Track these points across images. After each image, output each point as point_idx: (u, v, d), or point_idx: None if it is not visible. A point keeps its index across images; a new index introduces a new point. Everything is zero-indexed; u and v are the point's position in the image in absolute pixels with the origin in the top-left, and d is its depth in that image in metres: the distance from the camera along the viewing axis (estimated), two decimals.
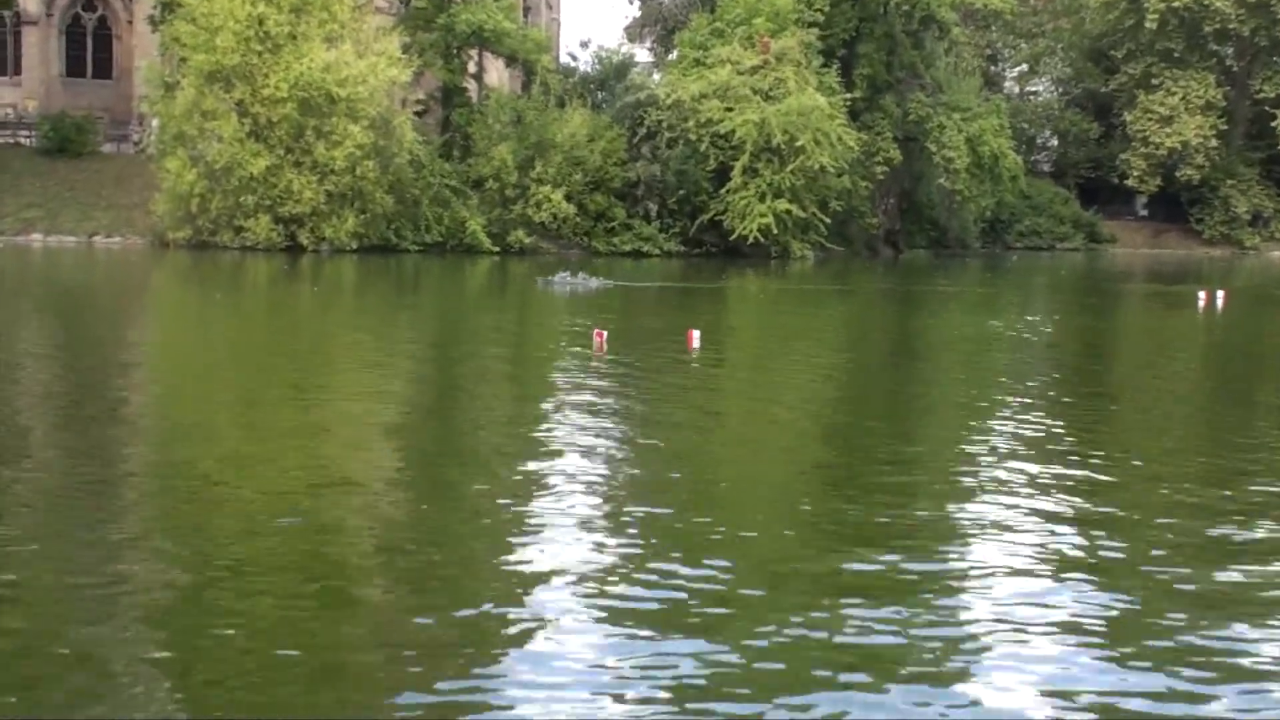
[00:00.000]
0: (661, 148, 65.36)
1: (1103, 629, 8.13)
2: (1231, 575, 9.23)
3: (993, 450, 13.78)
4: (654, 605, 8.25)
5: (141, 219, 58.74)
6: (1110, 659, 7.65)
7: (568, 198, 62.44)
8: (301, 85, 54.61)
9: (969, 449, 13.89)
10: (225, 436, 13.52)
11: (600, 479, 11.83)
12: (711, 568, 9.01)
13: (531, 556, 9.25)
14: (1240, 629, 8.15)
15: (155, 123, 59.14)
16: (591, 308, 33.03)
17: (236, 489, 11.08)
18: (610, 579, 8.72)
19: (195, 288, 37.39)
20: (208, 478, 11.57)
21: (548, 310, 33.00)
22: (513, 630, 7.79)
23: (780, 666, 7.38)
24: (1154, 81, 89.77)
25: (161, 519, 10.09)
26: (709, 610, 8.17)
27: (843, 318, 33.82)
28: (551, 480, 11.73)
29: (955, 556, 9.61)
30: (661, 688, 7.02)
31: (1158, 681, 7.32)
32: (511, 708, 6.72)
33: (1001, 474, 12.51)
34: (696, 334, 23.66)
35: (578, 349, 22.65)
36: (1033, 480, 12.23)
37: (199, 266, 46.81)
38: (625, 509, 10.74)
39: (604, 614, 8.08)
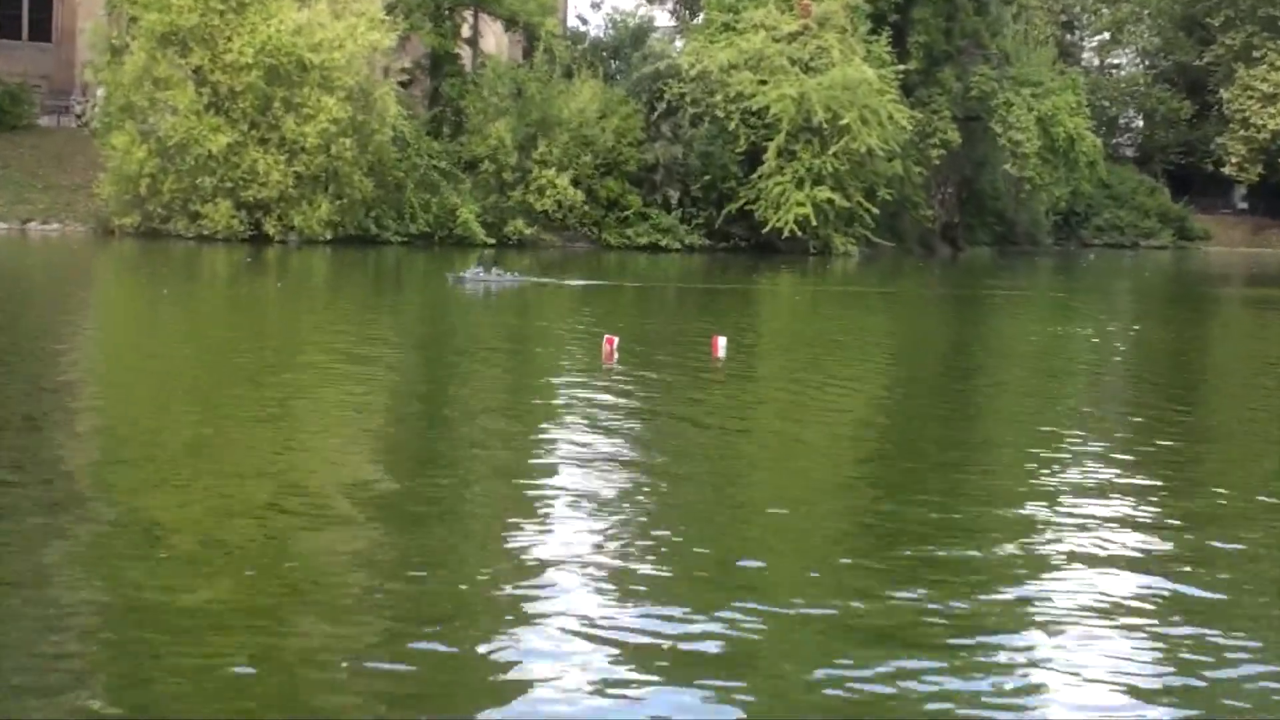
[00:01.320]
0: (684, 126, 65.55)
1: (1179, 684, 8.16)
2: None
3: (1060, 485, 13.78)
4: (665, 655, 8.31)
5: (84, 203, 59.04)
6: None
7: (575, 183, 62.64)
8: (269, 50, 54.88)
9: (1033, 482, 13.90)
10: (171, 459, 13.58)
11: (607, 506, 11.89)
12: (736, 611, 9.07)
13: (535, 595, 9.31)
14: None
15: (100, 92, 59.44)
16: (601, 309, 33.09)
17: (183, 521, 11.16)
18: (620, 616, 8.79)
19: (141, 282, 37.57)
20: (148, 513, 11.65)
21: (547, 313, 33.09)
22: (517, 674, 7.87)
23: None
24: (1255, 54, 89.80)
25: (94, 555, 10.18)
26: (731, 654, 8.23)
27: (891, 325, 33.86)
28: (552, 510, 11.79)
29: (1015, 602, 9.65)
30: None
31: None
32: None
33: (1069, 511, 12.52)
34: (722, 341, 23.73)
35: (584, 357, 22.73)
36: (1106, 518, 12.25)
37: (148, 258, 47.00)
38: (636, 541, 10.81)
39: (616, 658, 8.15)
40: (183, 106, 54.75)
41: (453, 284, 36.91)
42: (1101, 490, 13.34)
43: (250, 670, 7.76)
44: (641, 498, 12.45)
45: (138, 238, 55.21)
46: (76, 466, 13.03)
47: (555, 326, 28.98)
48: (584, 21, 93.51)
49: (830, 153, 62.85)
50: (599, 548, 10.57)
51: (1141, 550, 11.09)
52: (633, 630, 8.66)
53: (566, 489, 12.59)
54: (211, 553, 10.01)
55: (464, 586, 9.52)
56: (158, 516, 11.07)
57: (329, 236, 56.02)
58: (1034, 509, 12.41)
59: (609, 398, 18.42)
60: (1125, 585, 10.07)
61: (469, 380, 20.46)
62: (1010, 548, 11.04)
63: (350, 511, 11.58)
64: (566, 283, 41.52)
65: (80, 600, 9.00)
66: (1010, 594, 9.79)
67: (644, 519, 11.64)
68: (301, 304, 32.78)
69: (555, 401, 18.06)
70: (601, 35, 76.00)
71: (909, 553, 10.75)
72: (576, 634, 8.55)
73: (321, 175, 56.28)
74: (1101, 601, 9.62)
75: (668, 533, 11.10)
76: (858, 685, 7.88)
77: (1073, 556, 10.76)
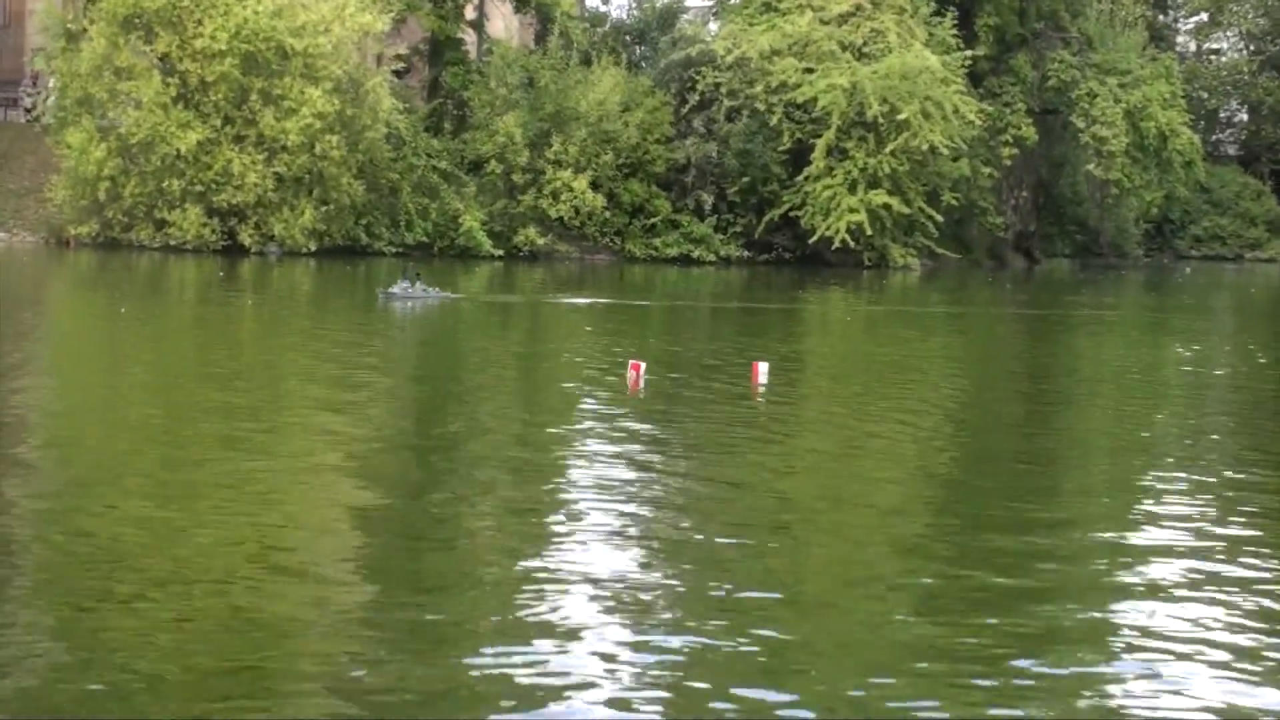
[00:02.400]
0: (719, 120, 65.69)
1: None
2: None
3: (1146, 539, 13.79)
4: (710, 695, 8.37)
5: (34, 209, 59.43)
6: None
7: (594, 185, 62.78)
8: (245, 35, 55.26)
9: (1121, 532, 13.91)
10: (131, 497, 13.66)
11: (634, 546, 11.93)
12: (788, 683, 9.11)
13: (557, 657, 9.37)
14: None
15: (53, 83, 59.82)
16: (625, 330, 33.13)
17: (149, 564, 11.25)
18: (654, 675, 8.86)
19: (97, 300, 37.73)
20: (110, 554, 11.74)
21: (563, 336, 33.17)
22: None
23: None
24: None
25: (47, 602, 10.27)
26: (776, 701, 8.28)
27: (957, 350, 33.83)
28: (575, 550, 11.84)
29: (1096, 663, 9.70)
30: None
31: None
32: None
33: (1160, 572, 12.55)
34: (764, 367, 23.74)
35: (607, 386, 22.77)
36: (1204, 578, 12.26)
37: (106, 272, 47.26)
38: (671, 592, 10.85)
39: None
40: (147, 99, 55.11)
41: (382, 303, 36.60)
42: (1203, 544, 13.36)
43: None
44: (673, 539, 12.48)
45: (96, 249, 55.49)
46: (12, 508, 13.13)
47: (575, 351, 29.02)
48: (605, 1, 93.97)
49: (887, 151, 62.85)
50: (627, 588, 10.62)
51: (1236, 580, 11.14)
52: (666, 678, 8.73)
53: (590, 528, 12.63)
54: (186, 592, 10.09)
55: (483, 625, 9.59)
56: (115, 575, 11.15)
57: (313, 247, 56.22)
58: (1117, 568, 12.44)
59: (636, 430, 18.45)
60: (1219, 613, 10.13)
61: (476, 414, 20.47)
62: (1099, 612, 11.07)
63: (360, 554, 11.65)
64: (577, 300, 41.55)
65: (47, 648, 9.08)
66: (1092, 617, 9.84)
67: (676, 561, 11.67)
68: (280, 325, 32.88)
69: (576, 436, 18.08)
70: (625, 17, 76.44)
71: (971, 616, 10.79)
72: (616, 679, 8.64)
73: (305, 177, 56.52)
74: (1198, 631, 9.67)
75: (697, 570, 11.14)
76: None
77: (1192, 619, 10.80)
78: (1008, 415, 22.70)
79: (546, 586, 10.98)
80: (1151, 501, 15.07)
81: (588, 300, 41.09)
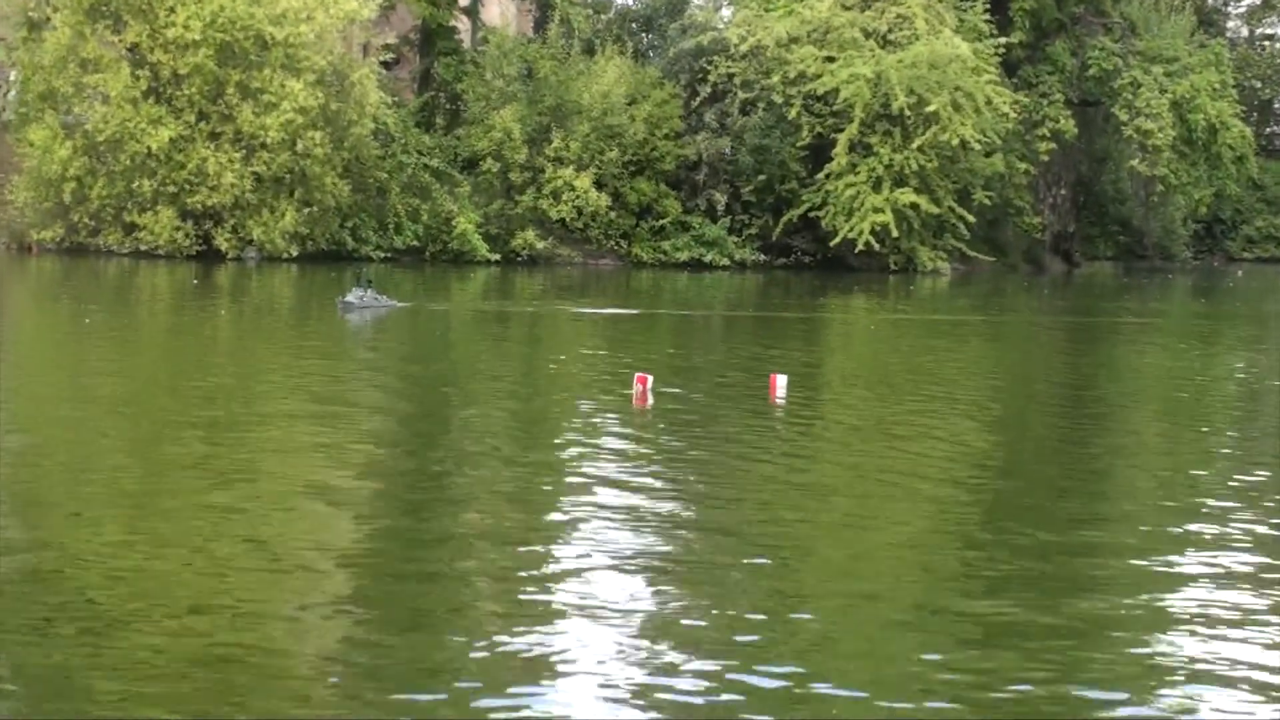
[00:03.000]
0: (732, 114, 65.77)
1: None
2: None
3: (1198, 565, 13.73)
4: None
5: None
6: None
7: (599, 185, 62.87)
8: (220, 24, 55.32)
9: (1170, 556, 13.85)
10: (101, 523, 13.64)
11: (640, 584, 11.89)
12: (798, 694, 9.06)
13: (558, 693, 9.33)
14: None
15: (14, 76, 59.98)
16: (636, 342, 33.12)
17: (127, 600, 11.21)
18: (668, 709, 8.81)
19: (60, 310, 37.74)
20: (70, 587, 11.70)
21: (561, 346, 33.14)
22: None
23: None
24: None
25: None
26: None
27: (991, 362, 33.80)
28: (574, 594, 11.79)
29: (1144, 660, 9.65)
30: None
31: None
32: None
33: (1214, 599, 12.49)
34: (782, 381, 23.71)
35: (611, 400, 22.71)
36: (1267, 608, 12.21)
37: (71, 280, 47.28)
38: (683, 621, 10.80)
39: None
40: (115, 93, 55.15)
41: (341, 312, 36.57)
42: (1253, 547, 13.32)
43: None
44: (683, 564, 12.44)
45: (61, 255, 55.57)
46: None
47: (577, 364, 29.01)
48: None
49: (915, 147, 62.91)
50: (634, 619, 10.58)
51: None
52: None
53: (594, 554, 12.61)
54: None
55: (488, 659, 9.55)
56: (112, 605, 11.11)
57: (295, 252, 56.27)
58: (1169, 603, 12.40)
59: (642, 448, 18.43)
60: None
61: (468, 432, 20.44)
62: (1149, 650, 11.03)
63: (344, 585, 11.61)
64: (580, 309, 41.50)
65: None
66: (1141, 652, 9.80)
67: (686, 587, 11.62)
68: (257, 336, 32.88)
69: (576, 455, 18.03)
70: (631, 3, 76.44)
71: (1001, 670, 10.74)
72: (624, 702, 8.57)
73: (285, 177, 56.60)
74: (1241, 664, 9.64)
75: (709, 597, 11.10)
76: None
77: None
78: (1047, 433, 22.62)
79: (548, 619, 10.93)
80: (1203, 526, 14.99)
81: (591, 309, 41.02)
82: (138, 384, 23.98)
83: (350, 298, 37.31)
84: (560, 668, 9.92)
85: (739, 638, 10.65)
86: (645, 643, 10.51)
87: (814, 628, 11.11)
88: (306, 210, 56.72)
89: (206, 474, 15.96)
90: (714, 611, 11.33)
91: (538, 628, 10.75)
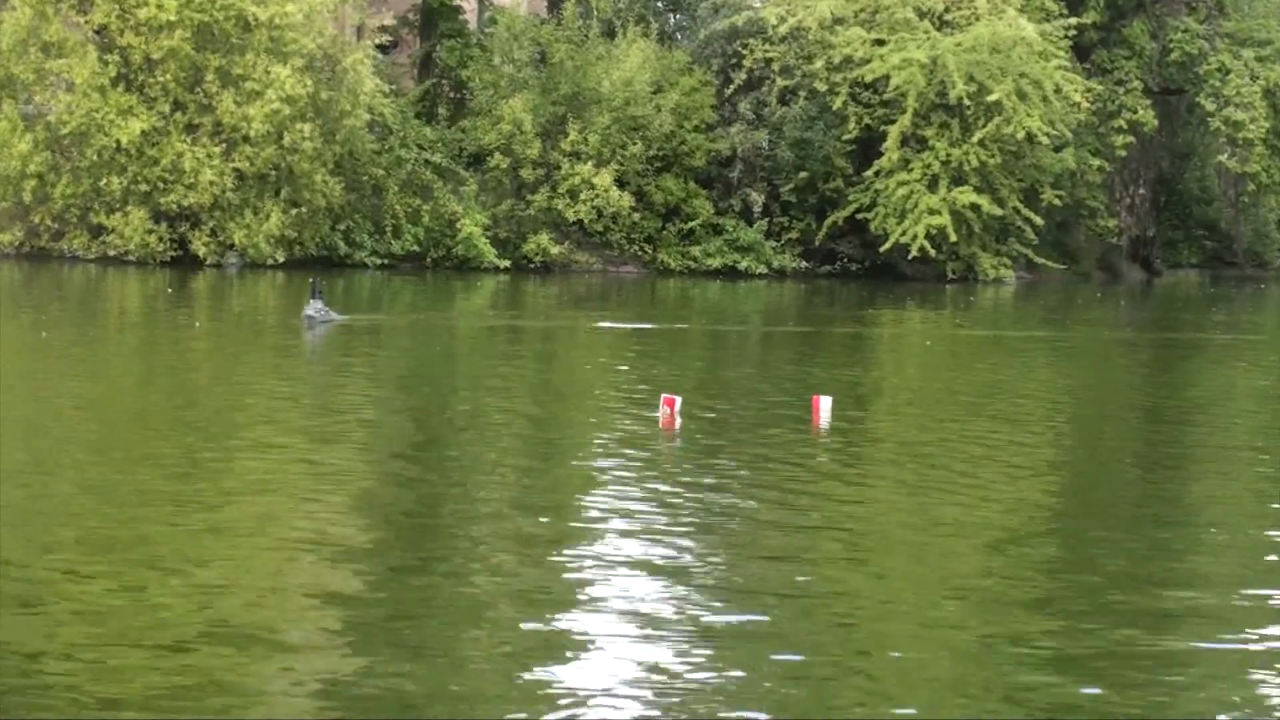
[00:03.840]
0: (771, 104, 65.83)
1: None
2: None
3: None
4: None
5: None
6: None
7: (620, 183, 62.89)
8: (198, 3, 55.53)
9: (1260, 591, 13.80)
10: (51, 549, 13.66)
11: (665, 634, 11.86)
12: None
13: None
14: None
15: None
16: (662, 360, 33.10)
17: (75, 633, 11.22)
18: None
19: (17, 323, 37.60)
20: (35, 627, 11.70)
21: (576, 361, 33.13)
22: None
23: None
24: None
25: None
26: None
27: (1061, 383, 33.70)
28: (592, 649, 11.78)
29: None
30: None
31: None
32: None
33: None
34: (826, 404, 23.67)
35: (632, 423, 22.69)
36: None
37: (31, 288, 47.32)
38: (717, 681, 10.79)
39: None
40: (81, 81, 55.32)
41: (306, 328, 36.31)
42: None
43: None
44: (715, 609, 12.41)
45: (20, 260, 55.70)
46: None
47: (596, 384, 29.01)
48: None
49: (975, 141, 62.89)
50: (661, 675, 10.56)
51: None
52: None
53: (610, 597, 12.63)
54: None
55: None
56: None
57: (281, 258, 56.36)
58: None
59: (669, 479, 18.40)
60: None
61: (477, 460, 20.39)
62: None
63: (339, 621, 11.62)
64: (600, 324, 41.49)
65: None
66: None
67: (719, 639, 11.60)
68: (238, 353, 32.85)
69: (596, 486, 18.00)
70: None
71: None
72: None
73: (271, 174, 56.74)
74: None
75: (749, 650, 11.08)
76: None
77: None
78: (1126, 463, 22.58)
79: (567, 687, 10.91)
80: None
81: (612, 323, 41.03)
82: (99, 408, 23.79)
83: (310, 311, 37.03)
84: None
85: (794, 690, 10.64)
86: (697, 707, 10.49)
87: (883, 667, 11.09)
88: (294, 211, 56.84)
89: (179, 522, 15.94)
90: (747, 658, 11.30)
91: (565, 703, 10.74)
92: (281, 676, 10.81)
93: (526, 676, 10.91)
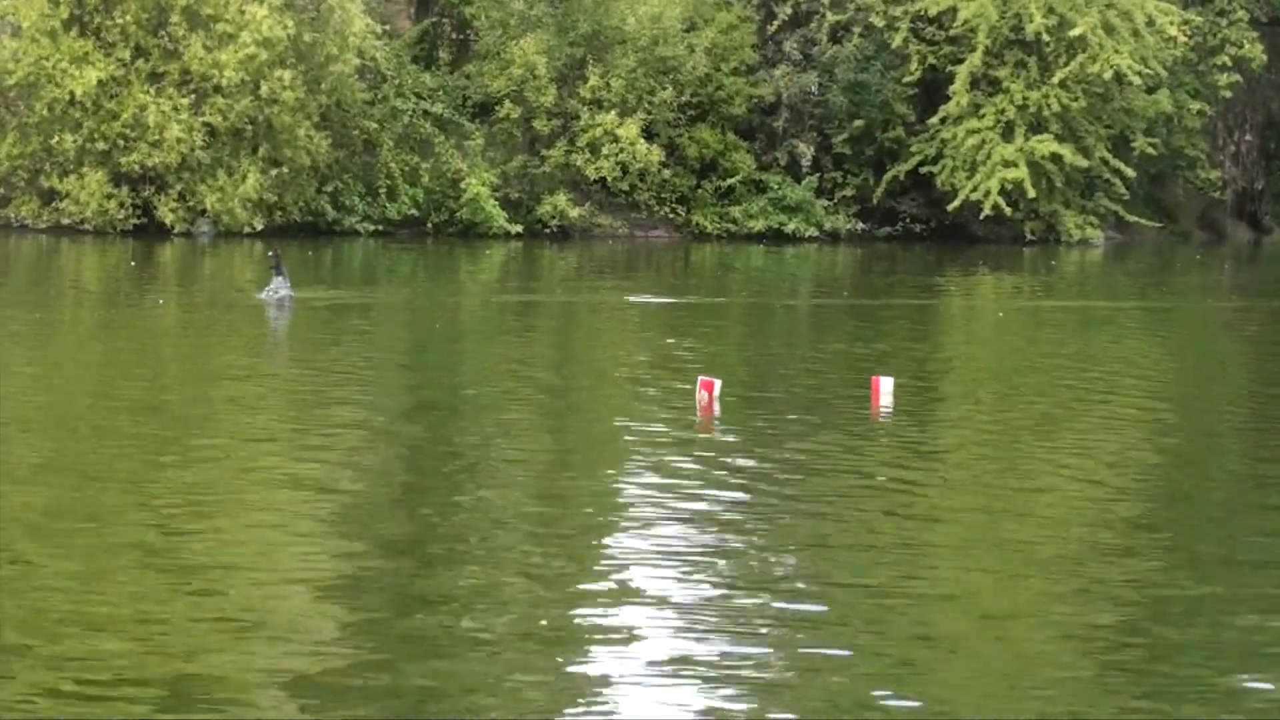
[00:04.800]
0: (821, 42, 65.72)
1: None
2: None
3: None
4: None
5: None
6: None
7: (648, 135, 62.78)
8: None
9: None
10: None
11: (703, 639, 12.10)
12: None
13: None
14: None
15: None
16: (699, 338, 33.19)
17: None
18: None
19: None
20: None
21: (604, 340, 33.26)
22: None
23: None
24: None
25: None
26: None
27: (1156, 358, 33.74)
28: (625, 655, 12.03)
29: None
30: None
31: None
32: None
33: None
34: (887, 385, 23.86)
35: (669, 409, 22.88)
36: None
37: None
38: (766, 694, 11.05)
39: None
40: (29, 25, 55.35)
41: (275, 305, 35.83)
42: None
43: None
44: (759, 617, 12.64)
45: None
46: None
47: (625, 366, 29.12)
48: None
49: (1055, 82, 62.78)
50: (702, 686, 10.84)
51: None
52: None
53: (644, 603, 12.97)
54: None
55: None
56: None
57: (260, 225, 56.20)
58: None
59: (707, 469, 18.68)
60: None
61: (492, 452, 20.42)
62: None
63: (342, 621, 11.90)
64: (629, 297, 41.63)
65: None
66: None
67: (766, 644, 11.85)
68: (208, 336, 32.83)
69: (626, 478, 18.21)
70: None
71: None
72: None
73: (247, 129, 56.72)
74: None
75: (800, 664, 11.34)
76: None
77: None
78: (1233, 452, 22.64)
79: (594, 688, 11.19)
80: None
81: (641, 296, 41.11)
82: (46, 400, 23.72)
83: (281, 290, 36.30)
84: None
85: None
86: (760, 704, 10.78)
87: (947, 662, 11.35)
88: (274, 172, 56.71)
89: (149, 512, 16.17)
90: (799, 673, 11.57)
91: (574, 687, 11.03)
92: (291, 669, 11.13)
93: (550, 667, 11.23)
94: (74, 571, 13.66)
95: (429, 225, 60.43)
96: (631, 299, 40.62)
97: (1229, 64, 71.04)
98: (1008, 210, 62.80)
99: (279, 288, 36.30)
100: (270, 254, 38.17)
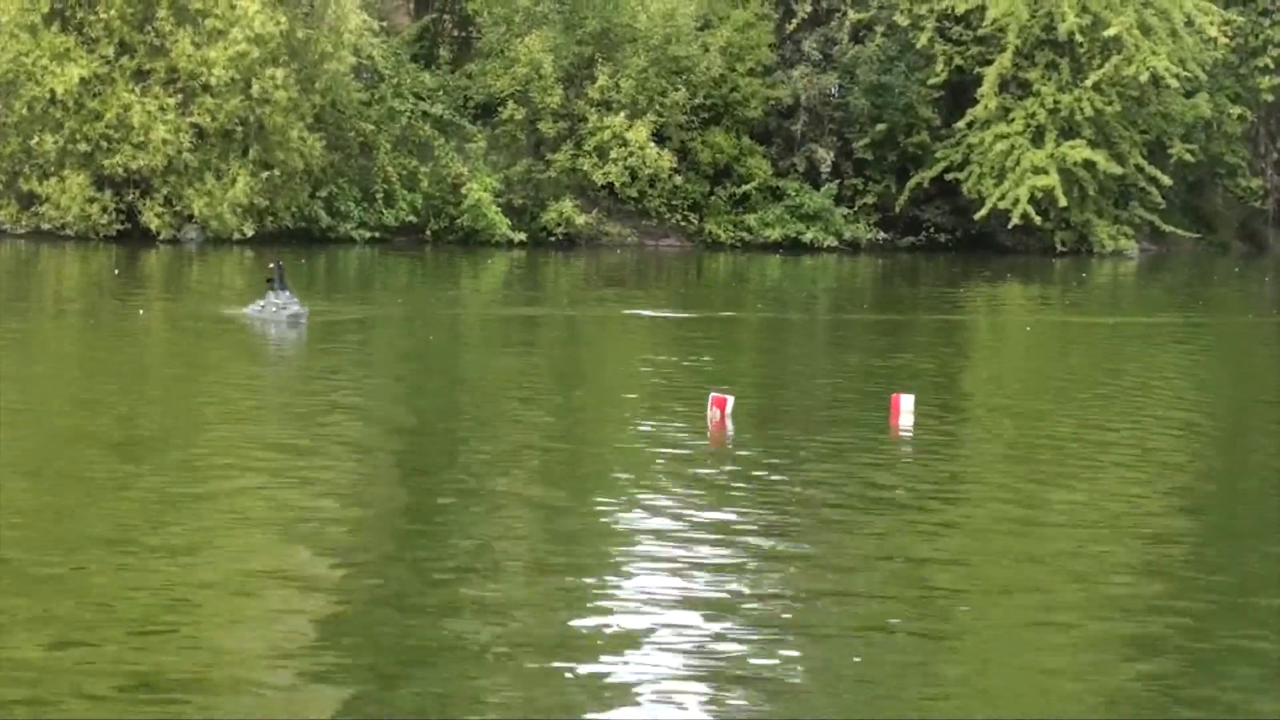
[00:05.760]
0: (841, 41, 65.81)
1: None
2: None
3: None
4: None
5: None
6: None
7: (659, 138, 62.84)
8: None
9: None
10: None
11: (715, 675, 12.21)
12: None
13: None
14: None
15: None
16: (711, 353, 33.24)
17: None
18: None
19: None
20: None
21: (610, 353, 33.30)
22: None
23: None
24: None
25: None
26: None
27: (1193, 377, 33.68)
28: (633, 687, 12.15)
29: None
30: None
31: None
32: None
33: None
34: (907, 403, 23.94)
35: (678, 426, 22.95)
36: None
37: None
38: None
39: None
40: (7, 19, 55.48)
41: (288, 323, 34.87)
42: None
43: None
44: (775, 647, 12.74)
45: None
46: None
47: (633, 382, 29.18)
48: None
49: (1089, 84, 62.85)
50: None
51: None
52: None
53: (652, 628, 13.05)
54: None
55: None
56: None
57: (250, 232, 56.30)
58: None
59: (719, 490, 18.76)
60: None
61: (492, 473, 20.48)
62: None
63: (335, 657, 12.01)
64: (639, 311, 41.68)
65: None
66: None
67: (783, 683, 11.95)
68: (196, 351, 32.83)
69: (634, 500, 18.24)
70: None
71: None
72: None
73: (237, 130, 56.83)
74: None
75: (811, 691, 11.43)
76: None
77: None
78: (1270, 470, 22.73)
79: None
80: None
81: (650, 310, 41.14)
82: (20, 419, 23.36)
83: (292, 306, 35.30)
84: None
85: None
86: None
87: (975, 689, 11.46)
88: (265, 175, 56.83)
89: (128, 542, 16.23)
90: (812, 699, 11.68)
91: None
92: (306, 672, 11.28)
93: (559, 675, 11.37)
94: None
95: (428, 232, 60.51)
96: (639, 313, 40.56)
97: (1272, 66, 71.10)
98: (1037, 220, 62.86)
99: (287, 304, 35.25)
100: (272, 265, 36.71)
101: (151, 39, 56.40)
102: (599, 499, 18.86)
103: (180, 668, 11.95)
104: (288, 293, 35.47)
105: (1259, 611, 13.67)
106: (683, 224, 64.37)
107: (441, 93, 62.34)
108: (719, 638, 13.16)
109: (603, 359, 33.82)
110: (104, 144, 55.87)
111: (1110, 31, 62.39)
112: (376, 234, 59.48)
